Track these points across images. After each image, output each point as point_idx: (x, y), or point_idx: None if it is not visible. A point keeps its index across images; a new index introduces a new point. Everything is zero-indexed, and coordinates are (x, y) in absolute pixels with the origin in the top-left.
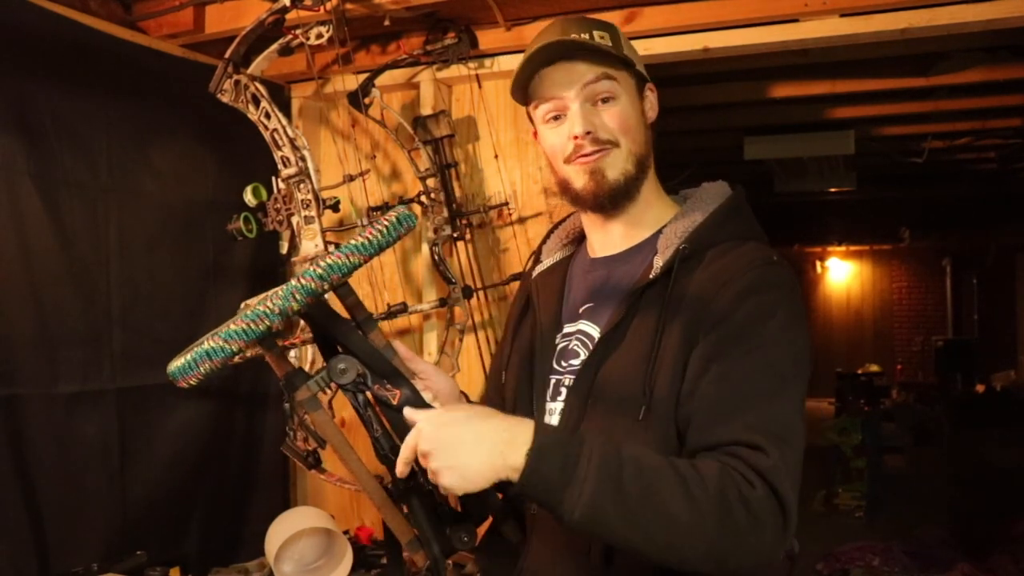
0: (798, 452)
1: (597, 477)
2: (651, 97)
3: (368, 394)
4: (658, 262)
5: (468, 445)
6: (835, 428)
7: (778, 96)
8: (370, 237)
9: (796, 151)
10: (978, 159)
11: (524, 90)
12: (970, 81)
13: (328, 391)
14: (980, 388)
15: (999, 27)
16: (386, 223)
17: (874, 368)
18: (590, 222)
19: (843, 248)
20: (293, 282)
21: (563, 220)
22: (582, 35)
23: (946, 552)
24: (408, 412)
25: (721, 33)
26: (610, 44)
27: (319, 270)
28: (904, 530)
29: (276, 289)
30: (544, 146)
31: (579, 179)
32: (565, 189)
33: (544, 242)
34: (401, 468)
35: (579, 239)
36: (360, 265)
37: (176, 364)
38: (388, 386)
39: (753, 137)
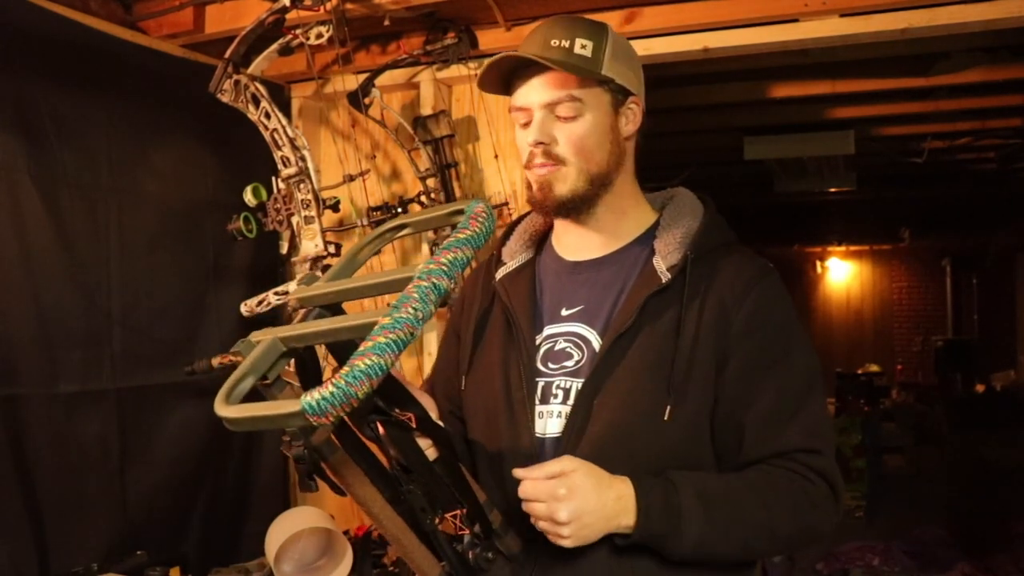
0: (833, 436)
1: (699, 521)
2: (633, 111)
3: (378, 423)
4: (660, 265)
5: (593, 514)
6: (835, 428)
7: (778, 96)
8: (476, 229)
9: (796, 151)
10: (978, 159)
11: (500, 85)
12: (970, 81)
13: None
14: (980, 388)
15: (999, 27)
16: (482, 214)
17: (874, 368)
18: (562, 226)
19: (843, 248)
20: (424, 284)
21: (518, 221)
22: (563, 42)
23: (946, 552)
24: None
25: (721, 33)
26: (588, 55)
27: (444, 268)
28: (904, 530)
29: (402, 298)
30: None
31: (533, 185)
32: (527, 189)
33: (503, 243)
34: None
35: (541, 240)
36: (472, 260)
37: (321, 394)
38: (399, 410)
39: (753, 137)
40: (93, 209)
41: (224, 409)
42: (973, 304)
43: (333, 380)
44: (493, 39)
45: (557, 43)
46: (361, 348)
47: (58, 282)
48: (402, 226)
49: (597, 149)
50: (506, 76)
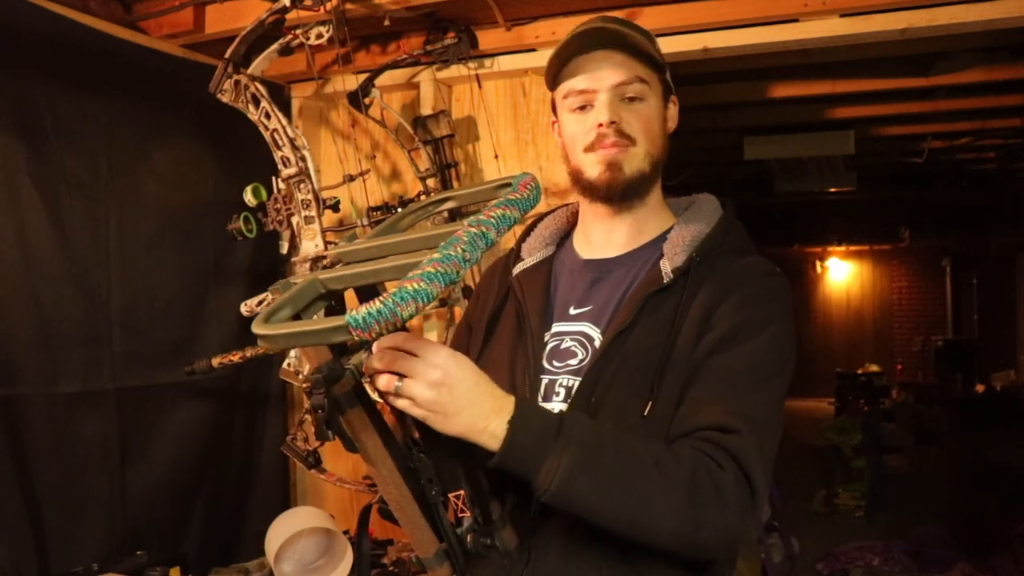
0: (773, 439)
1: (575, 451)
2: (673, 108)
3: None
4: (666, 266)
5: (467, 395)
6: (835, 428)
7: (778, 96)
8: (524, 194)
9: (796, 151)
10: (978, 159)
11: (555, 74)
12: (970, 81)
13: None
14: (980, 388)
15: (999, 27)
16: (531, 182)
17: (874, 368)
18: (595, 218)
19: (843, 248)
20: (473, 230)
21: (542, 217)
22: (622, 30)
23: (946, 552)
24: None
25: (721, 33)
26: (650, 45)
27: (493, 220)
28: (904, 530)
29: (452, 239)
30: (564, 135)
31: (594, 169)
32: (577, 179)
33: (523, 240)
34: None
35: (562, 238)
36: (518, 222)
37: (368, 309)
38: None
39: (753, 137)
40: (93, 209)
41: (262, 328)
42: (973, 304)
43: (380, 298)
44: (493, 39)
45: (618, 29)
46: (410, 274)
47: (58, 282)
48: (446, 199)
49: (659, 134)
50: (562, 65)
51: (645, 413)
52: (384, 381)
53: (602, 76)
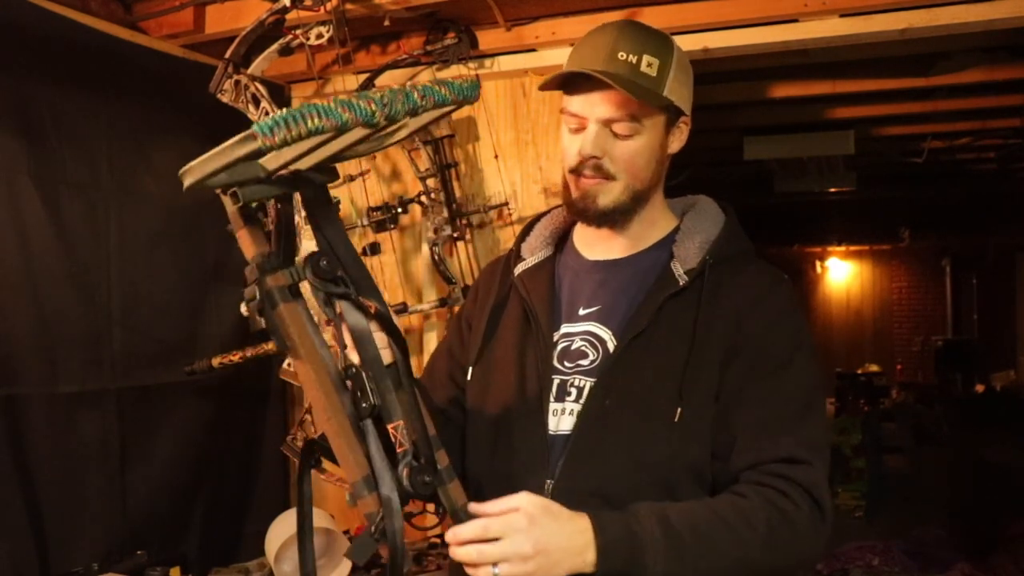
0: (829, 455)
1: (664, 555)
2: (682, 130)
3: (338, 304)
4: (678, 268)
5: (560, 550)
6: (835, 428)
7: (778, 96)
8: (460, 82)
9: (796, 151)
10: (978, 159)
11: (559, 85)
12: (970, 81)
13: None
14: (980, 388)
15: (999, 27)
16: (471, 78)
17: (874, 368)
18: (586, 229)
19: (843, 248)
20: (398, 88)
21: (539, 217)
22: (631, 57)
23: (946, 552)
24: (476, 507)
25: (721, 33)
26: (654, 75)
27: (420, 87)
28: (904, 530)
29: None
30: (562, 143)
31: (574, 191)
32: (564, 190)
33: (523, 239)
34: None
35: (562, 237)
36: (447, 102)
37: (274, 117)
38: (362, 298)
39: (753, 137)
40: (93, 209)
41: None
42: (973, 304)
43: (288, 108)
44: (493, 39)
45: (624, 57)
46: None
47: (58, 282)
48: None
49: (645, 167)
50: (565, 76)
51: (676, 419)
52: (484, 573)
53: (593, 107)
